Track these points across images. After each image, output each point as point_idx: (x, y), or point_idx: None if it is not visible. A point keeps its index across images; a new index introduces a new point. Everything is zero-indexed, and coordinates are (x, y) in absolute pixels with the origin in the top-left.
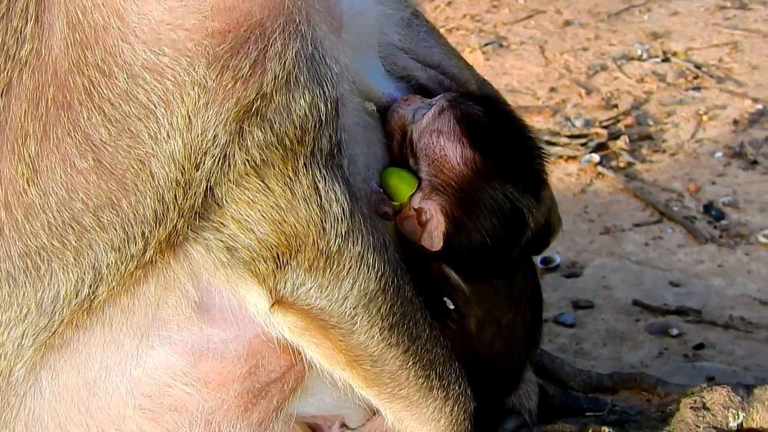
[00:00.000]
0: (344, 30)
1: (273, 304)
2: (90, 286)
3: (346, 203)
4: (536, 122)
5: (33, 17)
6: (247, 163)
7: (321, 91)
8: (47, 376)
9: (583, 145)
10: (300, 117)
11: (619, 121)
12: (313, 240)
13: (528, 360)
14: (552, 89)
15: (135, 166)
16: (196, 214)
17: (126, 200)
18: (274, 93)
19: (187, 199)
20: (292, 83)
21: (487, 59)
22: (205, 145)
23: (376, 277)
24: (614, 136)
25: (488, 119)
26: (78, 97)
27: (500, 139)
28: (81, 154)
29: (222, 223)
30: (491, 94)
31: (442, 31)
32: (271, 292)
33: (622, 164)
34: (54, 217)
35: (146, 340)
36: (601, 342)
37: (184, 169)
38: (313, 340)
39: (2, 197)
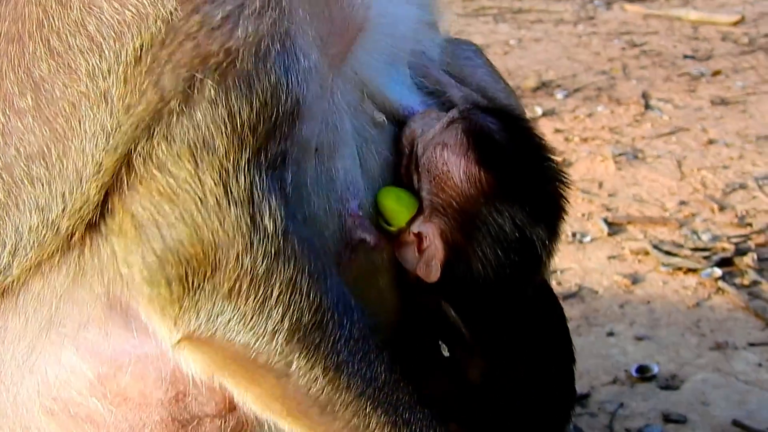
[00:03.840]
0: (366, 33)
1: (180, 340)
2: (9, 254)
3: (279, 219)
4: (659, 233)
5: None
6: (186, 133)
7: (285, 80)
8: None
9: (705, 258)
10: (260, 100)
11: (750, 239)
12: (238, 254)
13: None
14: (682, 202)
15: (67, 109)
16: (110, 192)
17: (55, 150)
18: (239, 53)
19: (105, 152)
20: (261, 53)
21: (619, 169)
22: (145, 85)
23: (311, 308)
24: (741, 253)
25: (504, 135)
26: (29, 28)
27: (514, 158)
28: (21, 92)
29: (121, 226)
30: (520, 114)
31: (576, 140)
32: (175, 324)
33: (746, 282)
34: None
35: (53, 337)
36: None
37: (113, 111)
38: (235, 382)
39: None
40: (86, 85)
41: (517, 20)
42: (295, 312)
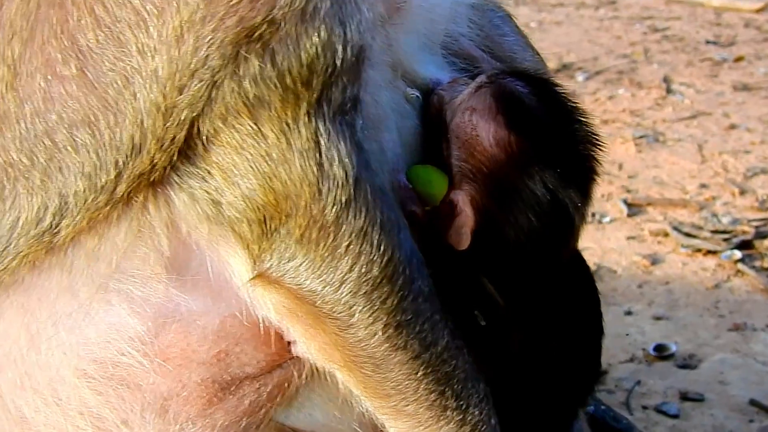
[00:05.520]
0: (403, 15)
1: (255, 277)
2: (54, 216)
3: (350, 166)
4: (679, 215)
5: None
6: (238, 96)
7: (342, 31)
8: None
9: (725, 240)
10: (309, 55)
11: None
12: (306, 203)
13: (580, 404)
14: (703, 185)
15: (119, 82)
16: (179, 153)
17: (104, 119)
18: (284, 21)
19: (166, 129)
20: (308, 14)
21: (639, 151)
22: (194, 65)
23: (381, 261)
24: (762, 236)
25: (533, 98)
26: None
27: (543, 121)
28: (64, 59)
29: (208, 171)
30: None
31: (597, 121)
32: (255, 262)
33: (766, 265)
34: (27, 128)
35: (104, 293)
36: None
37: (165, 92)
38: (303, 328)
39: None
40: (138, 62)
41: (537, 3)
42: (365, 264)
